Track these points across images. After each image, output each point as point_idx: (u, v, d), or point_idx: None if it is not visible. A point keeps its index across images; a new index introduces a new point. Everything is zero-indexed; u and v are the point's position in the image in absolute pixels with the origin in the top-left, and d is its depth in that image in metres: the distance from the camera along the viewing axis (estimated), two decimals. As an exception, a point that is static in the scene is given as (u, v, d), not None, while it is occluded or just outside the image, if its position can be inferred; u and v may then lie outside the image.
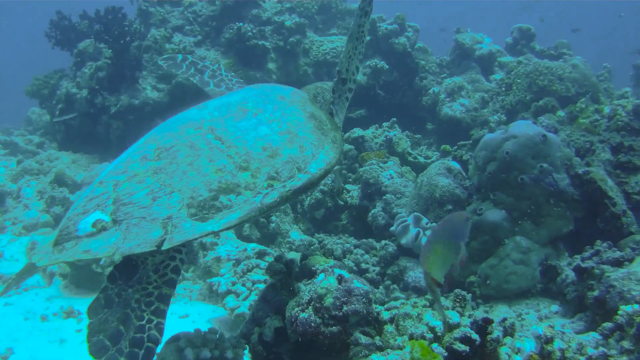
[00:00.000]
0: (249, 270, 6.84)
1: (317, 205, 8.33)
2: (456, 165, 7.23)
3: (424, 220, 6.33)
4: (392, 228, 6.38)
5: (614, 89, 12.96)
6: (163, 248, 3.34)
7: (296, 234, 8.18)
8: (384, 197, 7.78)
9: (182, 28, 11.36)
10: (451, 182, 6.92)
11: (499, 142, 6.50)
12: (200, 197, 3.53)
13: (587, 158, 6.98)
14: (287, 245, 7.95)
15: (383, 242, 6.79)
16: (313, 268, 4.01)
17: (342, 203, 8.49)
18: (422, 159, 9.80)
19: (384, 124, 10.47)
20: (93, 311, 3.38)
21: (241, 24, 10.94)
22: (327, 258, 4.16)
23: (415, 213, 6.41)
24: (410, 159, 9.66)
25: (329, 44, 12.30)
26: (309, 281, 3.90)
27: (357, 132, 10.02)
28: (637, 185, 6.84)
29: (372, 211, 7.85)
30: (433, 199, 6.88)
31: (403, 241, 6.17)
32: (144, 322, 3.36)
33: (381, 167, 8.28)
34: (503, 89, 11.30)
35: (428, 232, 6.19)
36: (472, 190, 6.88)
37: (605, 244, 5.73)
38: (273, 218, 8.01)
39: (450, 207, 6.80)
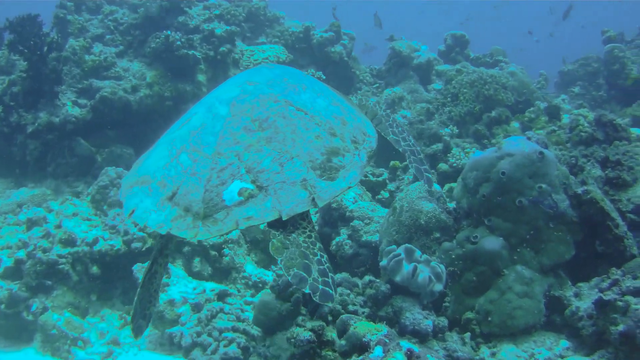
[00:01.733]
0: (213, 317, 5.86)
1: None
2: (438, 188, 6.52)
3: (417, 252, 5.54)
4: (382, 263, 5.55)
5: (553, 96, 12.77)
6: (319, 206, 3.70)
7: (252, 267, 7.24)
8: (351, 223, 6.97)
9: (103, 37, 10.12)
10: (436, 207, 6.18)
11: (493, 162, 5.83)
12: (317, 160, 3.90)
13: (581, 176, 6.42)
14: (243, 281, 7.01)
15: (367, 278, 5.94)
16: (364, 339, 3.12)
17: (299, 230, 7.60)
18: (372, 177, 9.06)
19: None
20: (278, 251, 3.56)
21: (169, 32, 9.85)
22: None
23: (407, 245, 5.61)
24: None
25: (261, 54, 11.38)
26: (361, 358, 3.02)
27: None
28: (629, 202, 6.33)
29: (337, 239, 7.04)
30: (417, 226, 6.11)
31: (398, 278, 5.35)
32: (318, 257, 3.69)
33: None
34: (449, 99, 10.74)
35: (424, 267, 5.40)
36: (458, 215, 6.16)
37: (619, 271, 5.21)
38: (226, 251, 7.04)
39: (437, 234, 6.06)
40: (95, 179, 8.81)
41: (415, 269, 5.30)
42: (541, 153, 5.74)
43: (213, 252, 7.02)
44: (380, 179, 9.09)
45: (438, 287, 5.41)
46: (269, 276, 7.06)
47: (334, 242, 7.06)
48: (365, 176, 8.91)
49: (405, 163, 9.78)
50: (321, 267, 3.64)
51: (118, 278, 7.06)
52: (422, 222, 6.07)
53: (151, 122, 9.75)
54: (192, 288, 6.44)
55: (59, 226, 7.35)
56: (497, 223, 5.71)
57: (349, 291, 5.71)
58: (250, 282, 7.00)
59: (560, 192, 5.74)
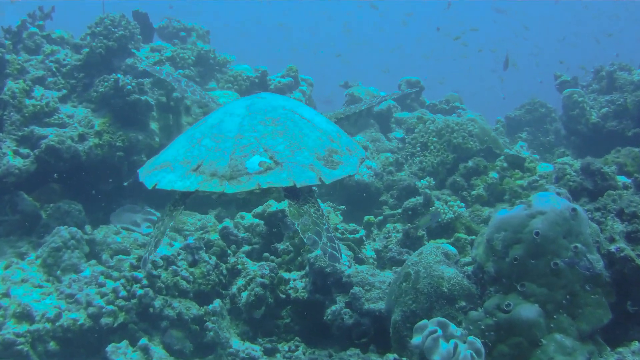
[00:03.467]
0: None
1: (257, 303, 6.51)
2: (453, 250, 5.87)
3: (452, 326, 4.83)
4: (414, 341, 4.79)
5: (509, 143, 12.53)
6: (326, 183, 4.41)
7: (237, 342, 6.33)
8: (351, 290, 6.21)
9: (44, 80, 9.02)
10: (457, 272, 5.52)
11: (523, 220, 5.23)
12: (321, 154, 4.58)
13: (606, 232, 5.92)
14: (230, 359, 6.10)
15: (391, 356, 5.18)
16: None
17: (283, 297, 6.77)
18: (349, 235, 8.36)
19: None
20: (295, 217, 4.25)
21: (119, 75, 8.90)
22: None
23: (439, 319, 4.88)
24: (337, 234, 8.18)
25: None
26: None
27: (273, 204, 8.37)
28: (652, 258, 5.89)
29: (333, 308, 6.29)
30: (439, 295, 5.40)
31: (436, 358, 4.61)
32: (326, 226, 4.28)
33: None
34: (418, 148, 10.23)
35: (461, 343, 4.69)
36: (482, 281, 5.51)
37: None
38: (209, 325, 6.10)
39: (463, 303, 5.37)
40: (40, 238, 7.72)
41: (456, 347, 4.59)
42: (574, 210, 5.21)
43: (194, 326, 6.07)
44: (357, 236, 8.41)
45: (480, 366, 4.71)
46: (257, 351, 6.17)
47: (328, 311, 6.28)
48: (342, 234, 8.20)
49: (379, 218, 9.16)
50: (329, 234, 4.23)
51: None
52: (445, 290, 5.37)
53: (101, 174, 8.73)
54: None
55: (6, 295, 6.25)
56: (532, 289, 5.09)
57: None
58: (237, 360, 6.11)
59: (594, 251, 5.22)
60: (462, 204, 8.42)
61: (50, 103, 8.50)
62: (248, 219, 9.07)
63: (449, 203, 8.40)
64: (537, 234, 5.08)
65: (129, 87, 8.89)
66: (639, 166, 9.07)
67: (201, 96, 6.65)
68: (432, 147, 10.05)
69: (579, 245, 5.09)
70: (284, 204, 8.46)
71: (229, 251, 8.12)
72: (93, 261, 7.48)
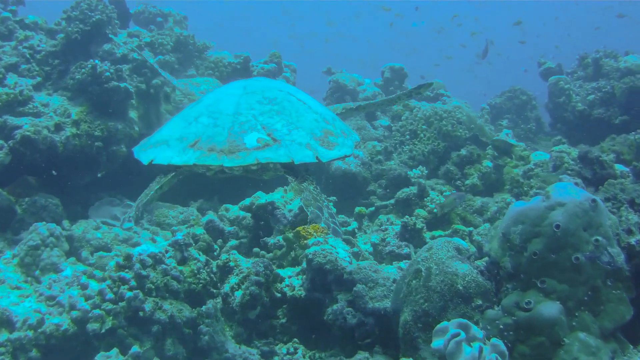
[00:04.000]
0: None
1: (252, 303, 6.12)
2: (464, 244, 5.56)
3: (474, 328, 4.51)
4: (435, 345, 4.45)
5: (494, 131, 12.29)
6: (323, 161, 4.52)
7: (234, 346, 5.95)
8: (354, 288, 5.86)
9: (17, 67, 8.46)
10: (471, 268, 5.20)
11: (542, 213, 4.91)
12: (317, 135, 4.67)
13: (622, 223, 5.66)
14: (226, 366, 5.72)
15: (404, 360, 4.85)
16: None
17: (279, 295, 6.39)
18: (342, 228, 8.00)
19: (287, 187, 8.56)
20: (297, 192, 4.92)
21: (97, 61, 8.39)
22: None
23: (460, 320, 4.55)
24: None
25: (195, 87, 10.07)
26: None
27: (261, 196, 7.98)
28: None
29: (333, 307, 5.92)
30: (454, 293, 5.07)
31: (459, 364, 4.29)
32: (325, 203, 4.51)
33: (332, 246, 6.37)
34: (407, 136, 9.90)
35: (489, 350, 4.38)
36: (497, 277, 5.20)
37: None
38: (203, 328, 5.71)
39: (479, 301, 5.05)
40: (16, 235, 7.26)
41: (481, 350, 4.28)
42: (594, 201, 4.91)
43: (187, 330, 5.67)
44: (349, 228, 8.08)
45: (505, 369, 4.41)
46: (254, 355, 5.80)
47: (329, 311, 5.91)
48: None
49: (371, 209, 8.83)
50: (330, 211, 4.42)
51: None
52: (460, 288, 5.05)
53: (79, 166, 8.24)
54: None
55: (-19, 298, 5.80)
56: (552, 285, 4.79)
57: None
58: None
59: (615, 244, 4.93)
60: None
61: (24, 91, 7.98)
62: (233, 211, 8.68)
63: (444, 193, 8.10)
64: (557, 226, 4.78)
65: (107, 73, 8.39)
66: (635, 154, 8.89)
67: (185, 85, 6.70)
68: (422, 135, 9.74)
69: (599, 238, 4.81)
70: (274, 196, 8.09)
71: (215, 246, 7.73)
72: (72, 259, 7.03)
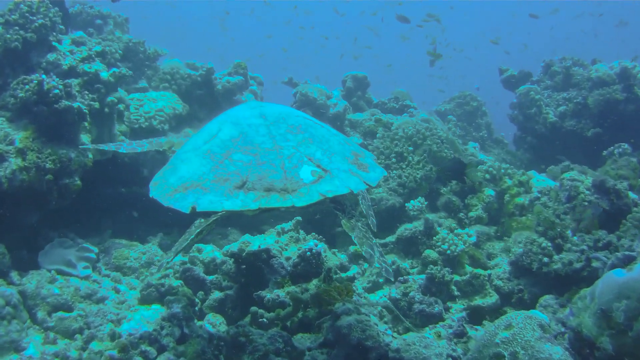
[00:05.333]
0: None
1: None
2: (544, 318, 4.69)
3: None
4: None
5: (460, 144, 11.55)
6: (373, 186, 4.34)
7: None
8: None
9: (-54, 85, 6.92)
10: (566, 353, 4.33)
11: (650, 285, 4.14)
12: (350, 158, 4.48)
13: None
14: None
15: None
16: None
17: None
18: (342, 274, 7.04)
19: (286, 225, 7.46)
20: (349, 229, 4.25)
21: (43, 76, 6.95)
22: None
23: None
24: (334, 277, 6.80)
25: (152, 104, 8.75)
26: None
27: (253, 241, 6.87)
28: None
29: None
30: (548, 384, 4.21)
31: None
32: (374, 241, 4.32)
33: (367, 315, 5.36)
34: (393, 159, 8.94)
35: None
36: (586, 357, 4.37)
37: None
38: None
39: (578, 395, 4.20)
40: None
41: None
42: None
43: None
44: (349, 274, 7.13)
45: None
46: None
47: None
48: (335, 272, 6.86)
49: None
50: (379, 249, 4.26)
51: None
52: (557, 378, 4.18)
53: (25, 204, 6.82)
54: None
55: None
56: (666, 373, 4.02)
57: None
58: None
59: None
60: (472, 232, 7.27)
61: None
62: (207, 252, 7.55)
63: (455, 231, 7.22)
64: (672, 304, 4.00)
65: (57, 90, 6.96)
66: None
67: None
68: (410, 159, 8.82)
69: None
70: (267, 241, 7.02)
71: (197, 299, 6.61)
72: (36, 334, 5.70)
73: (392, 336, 5.35)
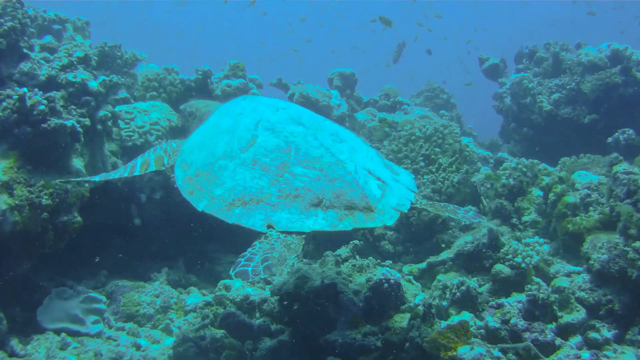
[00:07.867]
0: None
1: None
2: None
3: None
4: None
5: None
6: (417, 192, 4.32)
7: None
8: None
9: None
10: None
11: None
12: (387, 163, 4.48)
13: None
14: None
15: None
16: None
17: None
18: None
19: (340, 251, 6.42)
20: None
21: (25, 89, 5.56)
22: None
23: None
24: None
25: (144, 116, 7.41)
26: None
27: (316, 278, 5.79)
28: None
29: None
30: None
31: None
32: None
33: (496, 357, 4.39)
34: (421, 163, 8.00)
35: None
36: None
37: None
38: None
39: None
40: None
41: None
42: None
43: None
44: (416, 301, 6.16)
45: None
46: None
47: None
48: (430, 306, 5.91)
49: (420, 266, 6.93)
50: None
51: None
52: None
53: (16, 250, 5.46)
54: None
55: None
56: None
57: None
58: None
59: None
60: (542, 240, 6.40)
61: None
62: (236, 289, 6.42)
63: (523, 240, 6.35)
64: None
65: (42, 107, 5.63)
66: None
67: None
68: (441, 161, 7.89)
69: None
70: (326, 272, 5.95)
71: (246, 352, 5.52)
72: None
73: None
